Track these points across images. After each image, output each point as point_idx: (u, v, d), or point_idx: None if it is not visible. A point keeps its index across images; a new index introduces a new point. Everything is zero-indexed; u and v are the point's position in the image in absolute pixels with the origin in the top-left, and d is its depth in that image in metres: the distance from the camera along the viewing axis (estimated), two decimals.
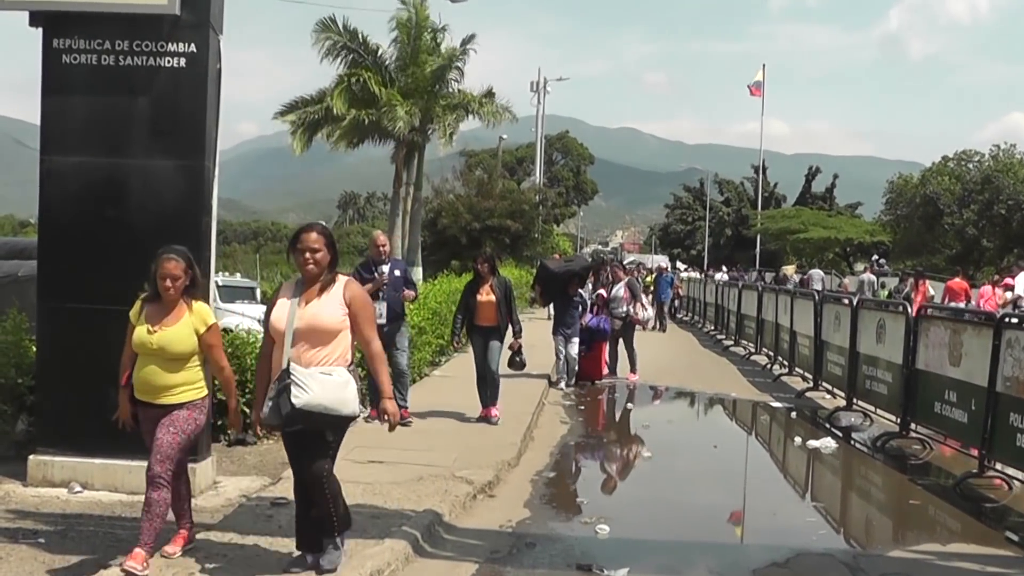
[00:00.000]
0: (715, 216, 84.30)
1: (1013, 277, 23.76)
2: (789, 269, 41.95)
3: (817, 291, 19.13)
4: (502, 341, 11.76)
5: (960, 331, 10.17)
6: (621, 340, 17.61)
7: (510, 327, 11.88)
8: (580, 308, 16.13)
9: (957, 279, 25.93)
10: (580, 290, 16.29)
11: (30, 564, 6.08)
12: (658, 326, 28.78)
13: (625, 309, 17.19)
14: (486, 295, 11.62)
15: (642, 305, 17.79)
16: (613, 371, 17.51)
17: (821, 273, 38.67)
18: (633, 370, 17.49)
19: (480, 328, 11.69)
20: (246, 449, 9.72)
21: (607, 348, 17.31)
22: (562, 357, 15.80)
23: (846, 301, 14.84)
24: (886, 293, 28.33)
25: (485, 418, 11.44)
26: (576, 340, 15.90)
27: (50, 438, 8.01)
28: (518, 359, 12.50)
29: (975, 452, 9.59)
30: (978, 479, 9.35)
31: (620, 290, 17.35)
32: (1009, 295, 22.69)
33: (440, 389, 13.76)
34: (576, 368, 16.04)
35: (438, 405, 12.20)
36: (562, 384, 15.60)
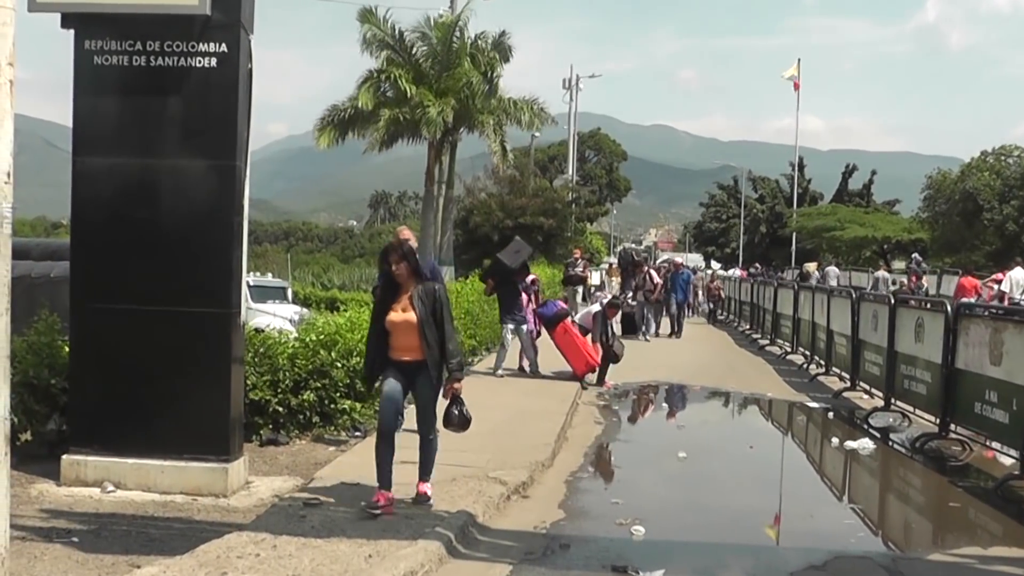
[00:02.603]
0: (750, 214, 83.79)
1: (1003, 272, 24.82)
2: (811, 266, 42.65)
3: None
4: (437, 385, 7.70)
5: (1001, 329, 9.99)
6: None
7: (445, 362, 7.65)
8: (523, 297, 15.83)
9: (968, 276, 26.83)
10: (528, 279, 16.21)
11: (64, 563, 6.08)
12: (672, 331, 27.15)
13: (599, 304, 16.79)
14: (402, 312, 7.47)
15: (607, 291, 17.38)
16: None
17: (836, 271, 39.57)
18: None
19: (397, 365, 7.53)
20: (278, 449, 9.72)
21: (577, 330, 16.05)
22: (508, 346, 15.50)
23: (884, 299, 14.68)
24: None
25: (384, 505, 7.23)
26: (524, 327, 15.52)
27: (83, 438, 8.04)
28: (457, 412, 7.84)
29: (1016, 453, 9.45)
30: (1020, 481, 9.20)
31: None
32: (996, 288, 23.68)
33: (472, 390, 13.64)
34: (535, 348, 15.78)
35: (471, 405, 12.12)
36: (500, 371, 15.23)
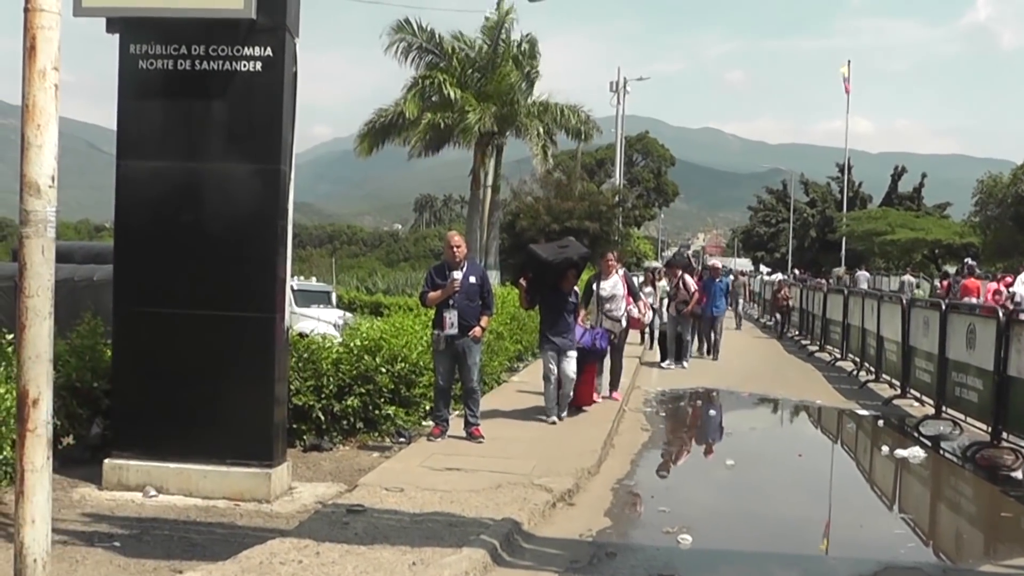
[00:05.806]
0: (799, 218, 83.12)
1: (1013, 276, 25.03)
2: (840, 271, 43.08)
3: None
4: None
5: None
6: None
7: None
8: (574, 314, 12.13)
9: (971, 278, 26.99)
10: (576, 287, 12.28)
11: (106, 567, 6.08)
12: (704, 349, 22.35)
13: (623, 311, 13.72)
14: None
15: (644, 304, 14.90)
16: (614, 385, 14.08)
17: (867, 275, 39.90)
18: (615, 388, 14.03)
19: None
20: (322, 455, 9.69)
21: (597, 365, 13.29)
22: (553, 379, 11.69)
23: (936, 305, 14.45)
24: (923, 293, 28.80)
25: None
26: (573, 354, 11.82)
27: (125, 442, 8.05)
28: None
29: None
30: None
31: (618, 287, 13.70)
32: (1006, 292, 23.43)
33: (518, 396, 13.61)
34: (571, 393, 12.02)
35: (516, 413, 12.07)
36: (553, 417, 11.63)
